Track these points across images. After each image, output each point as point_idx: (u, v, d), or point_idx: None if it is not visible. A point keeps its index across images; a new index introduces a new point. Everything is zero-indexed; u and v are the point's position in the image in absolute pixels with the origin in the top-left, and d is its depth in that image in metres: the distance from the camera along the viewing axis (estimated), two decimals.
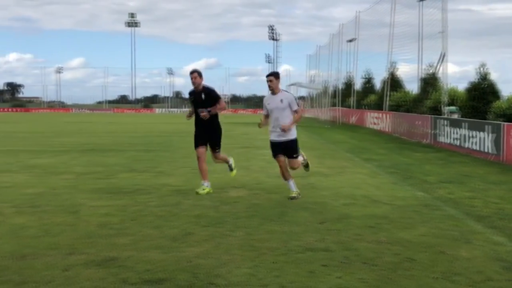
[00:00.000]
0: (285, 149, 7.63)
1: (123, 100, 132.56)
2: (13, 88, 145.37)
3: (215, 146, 8.22)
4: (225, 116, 78.18)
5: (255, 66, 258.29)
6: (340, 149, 16.78)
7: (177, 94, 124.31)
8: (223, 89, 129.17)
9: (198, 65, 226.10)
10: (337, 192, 8.28)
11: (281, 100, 7.52)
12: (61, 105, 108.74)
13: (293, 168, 7.87)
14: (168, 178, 9.64)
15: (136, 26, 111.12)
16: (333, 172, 10.68)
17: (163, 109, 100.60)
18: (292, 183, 7.67)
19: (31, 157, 13.49)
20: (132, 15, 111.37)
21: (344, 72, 41.18)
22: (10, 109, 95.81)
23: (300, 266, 4.40)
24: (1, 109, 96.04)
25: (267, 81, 7.57)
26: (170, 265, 4.43)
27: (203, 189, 7.91)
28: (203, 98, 7.95)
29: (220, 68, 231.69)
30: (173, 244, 5.10)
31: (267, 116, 7.84)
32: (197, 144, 8.14)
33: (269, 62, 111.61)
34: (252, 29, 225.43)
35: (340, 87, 41.13)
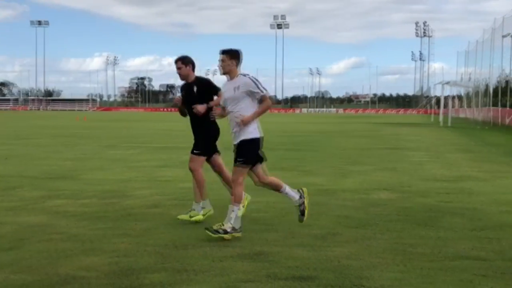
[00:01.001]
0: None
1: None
2: (168, 89, 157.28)
3: (193, 148, 6.36)
4: (374, 116, 76.74)
5: (403, 64, 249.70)
6: (497, 152, 15.58)
7: (323, 94, 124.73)
8: (371, 88, 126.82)
9: (347, 63, 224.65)
10: (496, 198, 7.72)
11: (235, 88, 5.50)
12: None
13: (234, 183, 5.49)
14: (315, 177, 9.75)
15: (285, 27, 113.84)
16: (490, 177, 9.96)
17: (309, 109, 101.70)
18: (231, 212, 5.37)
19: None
20: (280, 16, 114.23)
21: (499, 69, 38.07)
22: (164, 109, 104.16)
23: (453, 275, 4.19)
24: (158, 109, 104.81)
25: (218, 60, 5.57)
26: (318, 263, 4.49)
27: (191, 216, 6.07)
28: (195, 92, 6.19)
29: (367, 67, 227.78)
30: (321, 243, 5.15)
31: (224, 107, 5.82)
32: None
33: (421, 59, 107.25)
34: (401, 26, 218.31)
35: (494, 86, 38.11)
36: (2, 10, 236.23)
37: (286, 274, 4.19)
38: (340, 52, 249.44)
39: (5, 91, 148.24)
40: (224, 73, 5.62)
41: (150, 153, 14.84)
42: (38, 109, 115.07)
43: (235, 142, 5.51)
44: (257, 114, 5.53)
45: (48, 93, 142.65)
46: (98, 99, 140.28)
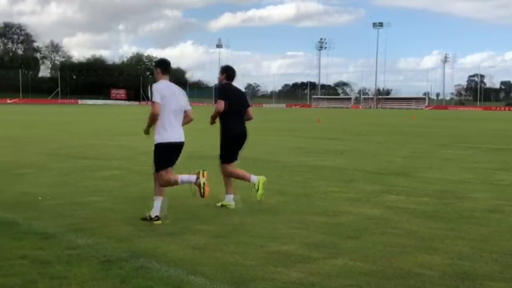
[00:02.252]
0: None
1: None
2: (509, 87, 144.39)
3: None
4: None
5: None
6: None
7: None
8: None
9: None
10: None
11: None
12: None
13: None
14: None
15: None
16: None
17: None
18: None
19: None
20: None
21: None
22: (504, 108, 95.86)
23: None
24: (498, 108, 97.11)
25: None
26: None
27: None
28: None
29: None
30: None
31: None
32: None
33: None
34: None
35: None
36: (340, 15, 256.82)
37: None
38: None
39: (347, 90, 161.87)
40: None
41: (484, 155, 13.99)
42: (370, 108, 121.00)
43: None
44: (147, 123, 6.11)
45: (383, 92, 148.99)
46: (434, 97, 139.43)
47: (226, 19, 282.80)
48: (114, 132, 20.84)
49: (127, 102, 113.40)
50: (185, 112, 6.22)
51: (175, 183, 6.05)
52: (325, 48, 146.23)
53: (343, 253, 4.78)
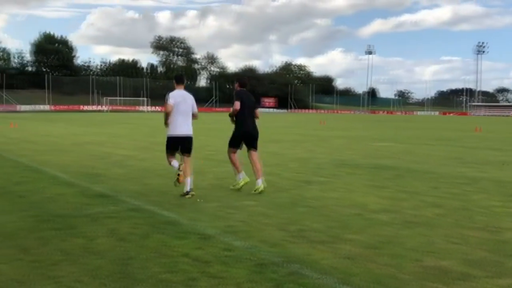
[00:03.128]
0: None
1: None
2: None
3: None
4: None
5: None
6: None
7: None
8: None
9: None
10: None
11: None
12: None
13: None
14: None
15: None
16: None
17: None
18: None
19: None
20: None
21: None
22: None
23: None
24: None
25: None
26: None
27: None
28: None
29: None
30: None
31: None
32: None
33: None
34: None
35: None
36: (502, 17, 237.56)
37: None
38: None
39: (508, 96, 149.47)
40: None
41: None
42: None
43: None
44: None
45: None
46: None
47: (377, 25, 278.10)
48: (264, 139, 21.49)
49: (276, 110, 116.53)
50: (192, 113, 8.24)
51: (169, 163, 8.21)
52: (484, 52, 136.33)
53: (508, 273, 4.40)
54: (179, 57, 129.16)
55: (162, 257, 4.75)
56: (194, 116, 8.27)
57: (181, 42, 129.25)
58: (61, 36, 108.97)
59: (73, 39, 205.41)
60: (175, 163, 8.08)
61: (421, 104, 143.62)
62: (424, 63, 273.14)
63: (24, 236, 5.51)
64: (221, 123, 41.53)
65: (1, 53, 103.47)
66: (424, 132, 30.76)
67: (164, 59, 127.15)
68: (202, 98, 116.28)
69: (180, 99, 8.03)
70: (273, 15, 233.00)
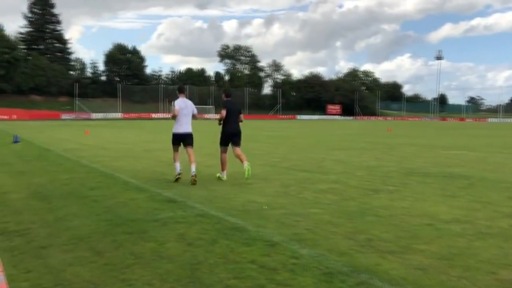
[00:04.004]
0: None
1: None
2: None
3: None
4: None
5: None
6: None
7: None
8: None
9: None
10: None
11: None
12: None
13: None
14: None
15: None
16: None
17: None
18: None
19: None
20: None
21: None
22: None
23: None
24: None
25: None
26: None
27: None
28: None
29: None
30: None
31: None
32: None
33: None
34: None
35: None
36: None
37: None
38: None
39: None
40: None
41: None
42: None
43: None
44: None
45: None
46: None
47: (447, 30, 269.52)
48: (330, 146, 21.30)
49: (341, 117, 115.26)
50: (193, 114, 10.60)
51: (174, 161, 10.50)
52: None
53: None
54: (245, 65, 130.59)
55: (230, 263, 4.80)
56: (194, 116, 10.64)
57: (247, 51, 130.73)
58: (132, 47, 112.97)
59: (143, 49, 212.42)
60: (177, 167, 10.29)
61: (494, 110, 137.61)
62: (497, 69, 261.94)
63: (98, 239, 5.74)
64: (285, 130, 41.56)
65: (76, 63, 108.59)
66: (498, 139, 29.44)
67: (230, 68, 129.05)
68: (266, 105, 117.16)
69: (183, 105, 10.43)
70: (339, 21, 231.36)
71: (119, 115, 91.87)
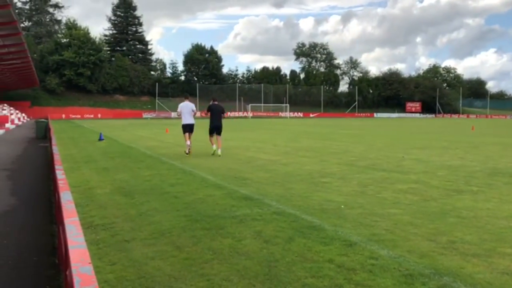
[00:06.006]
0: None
1: None
2: None
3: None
4: None
5: None
6: None
7: None
8: None
9: None
10: None
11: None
12: None
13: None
14: None
15: None
16: None
17: None
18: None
19: None
20: None
21: None
22: None
23: None
24: None
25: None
26: None
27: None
28: None
29: None
30: None
31: None
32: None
33: None
34: None
35: None
36: None
37: None
38: None
39: None
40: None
41: None
42: None
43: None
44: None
45: None
46: None
47: None
48: (409, 145, 20.67)
49: (421, 115, 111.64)
50: (193, 111, 16.07)
51: (185, 140, 15.79)
52: None
53: None
54: (321, 62, 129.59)
55: (307, 262, 4.78)
56: (194, 113, 16.09)
57: (323, 48, 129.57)
58: (210, 47, 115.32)
59: (220, 49, 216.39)
60: (188, 143, 15.61)
61: None
62: None
63: (178, 234, 5.91)
64: (363, 128, 40.82)
65: (157, 64, 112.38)
66: None
67: (305, 65, 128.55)
68: (343, 103, 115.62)
69: (185, 107, 15.96)
70: (419, 16, 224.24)
71: (197, 114, 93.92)
